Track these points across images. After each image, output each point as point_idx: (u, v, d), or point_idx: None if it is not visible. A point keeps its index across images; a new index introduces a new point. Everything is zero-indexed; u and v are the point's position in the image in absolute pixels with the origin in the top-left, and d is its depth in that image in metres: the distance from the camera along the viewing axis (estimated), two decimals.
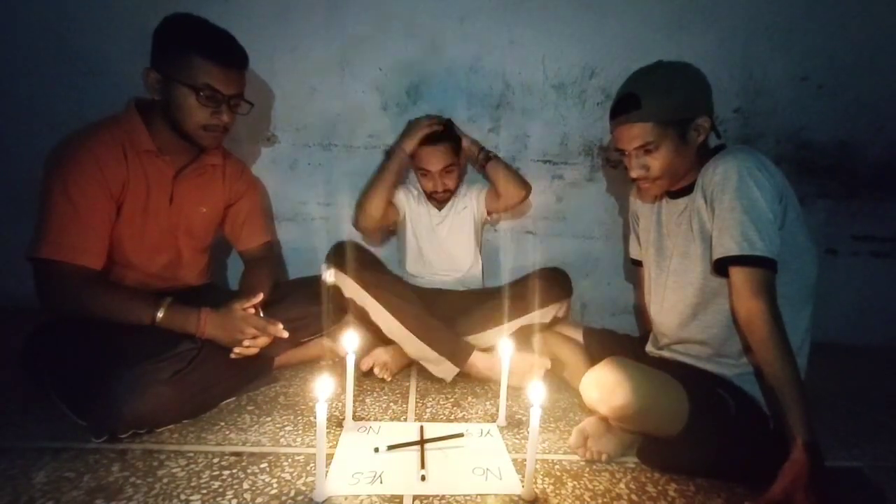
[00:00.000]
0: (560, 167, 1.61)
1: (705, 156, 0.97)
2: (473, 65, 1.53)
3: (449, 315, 1.31)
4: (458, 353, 1.22)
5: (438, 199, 1.46)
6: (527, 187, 1.44)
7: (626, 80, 1.00)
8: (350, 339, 0.99)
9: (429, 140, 1.37)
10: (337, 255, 1.30)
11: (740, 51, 1.54)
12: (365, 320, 1.25)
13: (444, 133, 1.38)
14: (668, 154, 0.95)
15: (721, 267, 0.89)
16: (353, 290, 1.25)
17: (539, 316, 1.30)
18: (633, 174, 1.01)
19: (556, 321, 1.34)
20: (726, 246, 0.87)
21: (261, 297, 1.09)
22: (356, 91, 1.53)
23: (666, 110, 0.93)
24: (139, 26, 1.36)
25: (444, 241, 1.49)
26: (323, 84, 1.52)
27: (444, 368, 1.22)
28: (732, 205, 0.86)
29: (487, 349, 1.25)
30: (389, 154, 1.41)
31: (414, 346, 1.21)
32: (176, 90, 1.00)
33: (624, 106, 0.96)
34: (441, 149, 1.37)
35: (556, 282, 1.35)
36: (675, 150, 0.95)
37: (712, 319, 0.96)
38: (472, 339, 1.26)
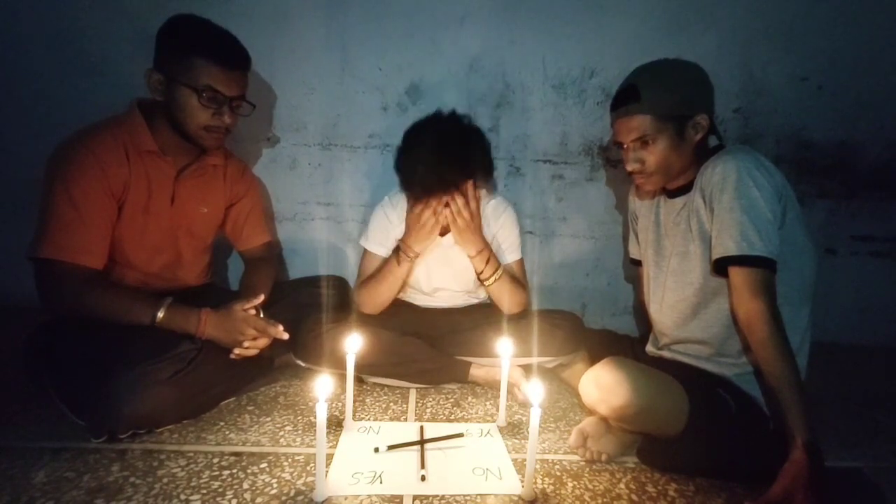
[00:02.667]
0: (560, 167, 1.61)
1: (704, 155, 0.97)
2: (473, 64, 1.53)
3: (443, 333, 1.26)
4: (457, 374, 1.21)
5: (443, 234, 1.23)
6: (521, 308, 1.26)
7: (630, 73, 1.00)
8: (351, 341, 0.99)
9: (435, 191, 1.12)
10: (307, 349, 1.16)
11: (740, 51, 1.54)
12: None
13: (456, 176, 1.12)
14: (665, 149, 0.96)
15: (720, 267, 0.89)
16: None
17: (538, 361, 1.21)
18: (629, 167, 1.01)
19: (561, 367, 1.25)
20: (725, 246, 0.87)
21: (261, 298, 1.09)
22: (356, 91, 1.53)
23: (665, 104, 0.94)
24: (140, 27, 1.38)
25: (450, 260, 1.29)
26: (323, 84, 1.52)
27: (448, 386, 1.23)
28: (731, 205, 0.87)
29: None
30: (397, 255, 1.20)
31: (416, 385, 1.21)
32: (178, 91, 1.00)
33: (624, 98, 0.97)
34: (453, 193, 1.13)
35: (558, 337, 1.19)
36: (672, 146, 0.95)
37: (712, 319, 0.96)
38: (468, 359, 1.22)
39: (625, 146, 1.00)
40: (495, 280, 1.22)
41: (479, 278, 1.25)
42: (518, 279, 1.28)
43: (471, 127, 1.20)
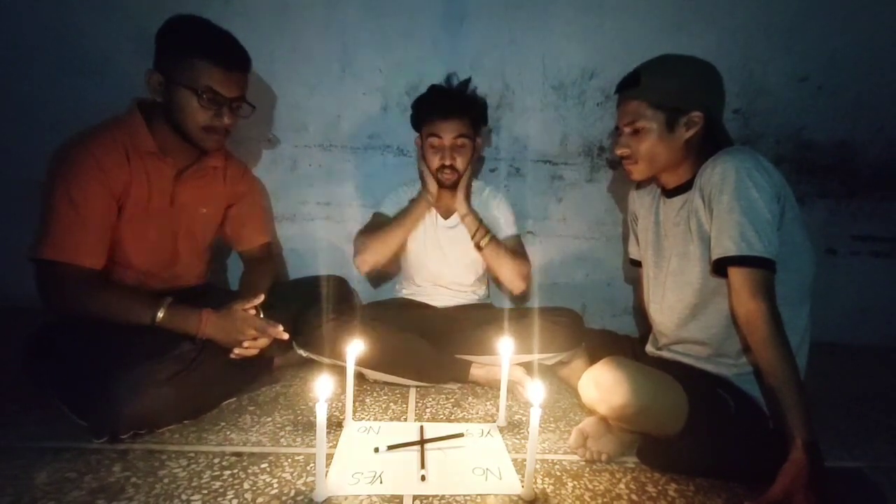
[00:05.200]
0: (560, 167, 1.61)
1: (703, 155, 0.97)
2: (473, 65, 1.53)
3: (444, 331, 1.27)
4: (457, 373, 1.21)
5: (444, 181, 1.31)
6: (526, 280, 1.33)
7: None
8: (352, 342, 0.99)
9: (442, 113, 1.27)
10: (308, 339, 1.18)
11: (740, 51, 1.54)
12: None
13: (461, 105, 1.29)
14: (652, 140, 0.97)
15: (720, 267, 0.89)
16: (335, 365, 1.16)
17: (539, 358, 1.22)
18: (618, 151, 1.03)
19: (560, 364, 1.25)
20: (725, 246, 0.87)
21: (261, 298, 1.09)
22: (356, 91, 1.53)
23: (659, 93, 0.95)
24: (140, 27, 1.38)
25: (449, 254, 1.38)
26: (323, 84, 1.52)
27: (448, 386, 1.24)
28: (731, 205, 0.87)
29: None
30: (412, 201, 1.33)
31: (415, 383, 1.21)
32: (178, 92, 1.00)
33: (626, 82, 0.99)
34: (455, 120, 1.27)
35: (559, 333, 1.21)
36: (659, 137, 0.96)
37: (711, 319, 0.96)
38: (468, 358, 1.23)
39: (620, 130, 1.02)
40: (487, 242, 1.30)
41: (474, 244, 1.32)
42: (516, 250, 1.35)
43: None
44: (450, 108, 1.28)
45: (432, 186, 1.32)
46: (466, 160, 1.31)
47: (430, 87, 1.33)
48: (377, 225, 1.34)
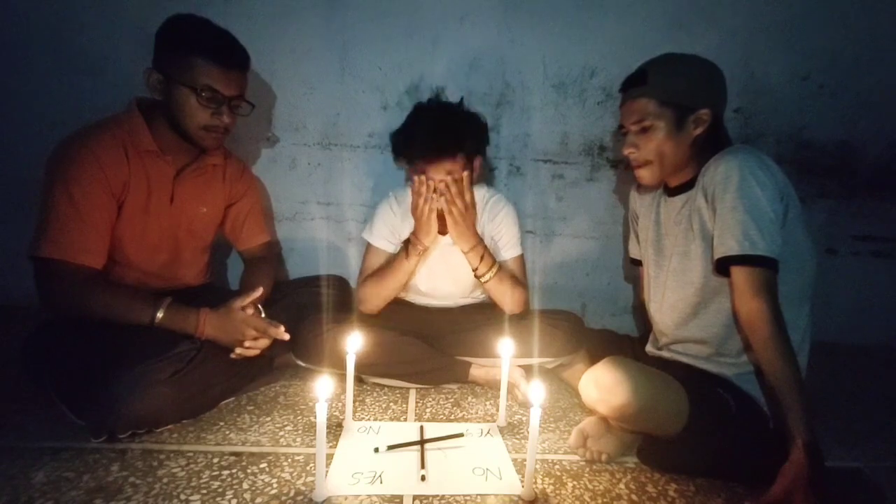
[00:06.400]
0: (560, 167, 1.61)
1: (706, 153, 0.97)
2: (473, 64, 1.52)
3: (444, 333, 1.26)
4: (457, 374, 1.21)
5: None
6: (522, 307, 1.25)
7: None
8: (351, 341, 0.99)
9: (428, 156, 1.14)
10: (307, 351, 1.16)
11: (741, 50, 1.54)
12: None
13: (452, 144, 1.14)
14: (661, 138, 0.96)
15: (722, 266, 0.89)
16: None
17: (539, 362, 1.20)
18: (625, 150, 1.02)
19: (561, 367, 1.24)
20: (728, 245, 0.87)
21: (259, 292, 1.08)
22: (356, 91, 1.52)
23: (668, 91, 0.95)
24: (139, 26, 1.37)
25: (452, 263, 1.28)
26: (323, 84, 1.51)
27: (448, 386, 1.23)
28: (734, 204, 0.86)
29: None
30: (406, 249, 1.20)
31: (415, 385, 1.20)
32: (177, 91, 1.00)
33: (632, 81, 0.99)
34: (445, 161, 1.14)
35: (558, 338, 1.18)
36: (668, 136, 0.96)
37: (712, 319, 0.96)
38: (468, 359, 1.22)
39: (625, 130, 1.02)
40: (491, 277, 1.21)
41: (475, 275, 1.24)
42: (516, 277, 1.27)
43: (468, 110, 1.27)
44: (438, 149, 1.13)
45: (426, 239, 1.18)
46: (463, 204, 1.15)
47: (415, 116, 1.20)
48: (374, 274, 1.25)
